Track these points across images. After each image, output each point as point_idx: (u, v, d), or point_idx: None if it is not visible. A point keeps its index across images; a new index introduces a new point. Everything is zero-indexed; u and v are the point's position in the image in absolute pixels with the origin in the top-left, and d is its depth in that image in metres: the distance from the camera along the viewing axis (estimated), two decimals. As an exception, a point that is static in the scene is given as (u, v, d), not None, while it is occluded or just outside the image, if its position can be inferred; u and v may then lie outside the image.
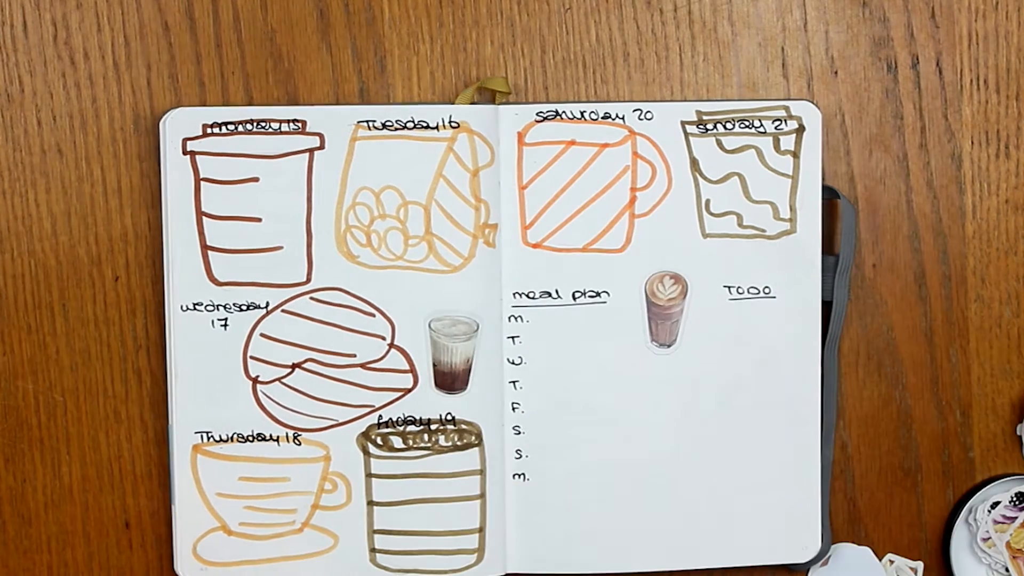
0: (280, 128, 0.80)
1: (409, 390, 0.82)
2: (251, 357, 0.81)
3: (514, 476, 0.83)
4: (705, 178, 0.82)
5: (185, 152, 0.80)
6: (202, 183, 0.80)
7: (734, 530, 0.84)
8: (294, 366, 0.81)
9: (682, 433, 0.83)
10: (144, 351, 0.83)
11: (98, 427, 0.83)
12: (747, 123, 0.82)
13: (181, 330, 0.81)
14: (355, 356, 0.81)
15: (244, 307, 0.81)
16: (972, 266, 0.86)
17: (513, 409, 0.82)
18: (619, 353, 0.83)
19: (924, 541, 0.87)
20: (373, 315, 0.81)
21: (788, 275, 0.83)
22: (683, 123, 0.82)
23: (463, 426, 0.82)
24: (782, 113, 0.82)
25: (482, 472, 0.82)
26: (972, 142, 0.85)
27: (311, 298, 0.81)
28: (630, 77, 0.84)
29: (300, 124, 0.80)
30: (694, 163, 0.82)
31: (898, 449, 0.87)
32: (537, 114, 0.81)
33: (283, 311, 0.81)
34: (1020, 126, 0.85)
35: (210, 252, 0.80)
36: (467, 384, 0.82)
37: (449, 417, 0.82)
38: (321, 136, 0.80)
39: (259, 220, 0.80)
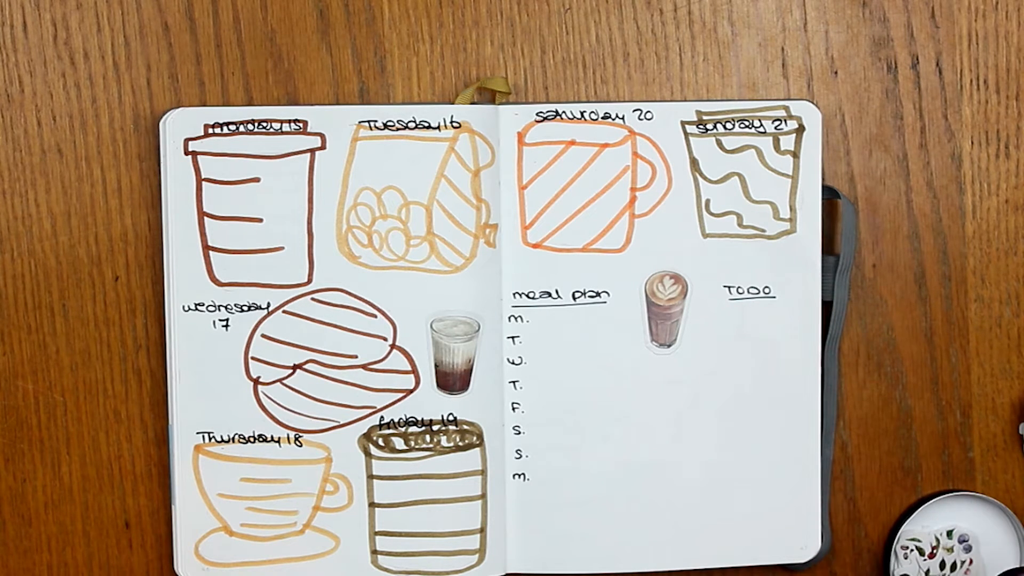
0: (281, 128, 0.80)
1: (411, 391, 0.82)
2: (252, 358, 0.81)
3: (514, 476, 0.83)
4: (705, 178, 0.82)
5: (187, 152, 0.80)
6: (203, 183, 0.80)
7: (734, 530, 0.84)
8: (295, 367, 0.81)
9: (682, 433, 0.83)
10: (144, 351, 0.83)
11: (98, 427, 0.83)
12: (747, 123, 0.82)
13: (182, 330, 0.80)
14: (356, 357, 0.81)
15: (245, 308, 0.81)
16: (972, 266, 0.86)
17: (513, 409, 0.82)
18: (619, 353, 0.83)
19: (924, 541, 0.88)
20: (374, 316, 0.81)
21: (788, 275, 0.83)
22: (683, 123, 0.82)
23: (464, 426, 0.82)
24: (782, 113, 0.82)
25: (483, 472, 0.83)
26: (972, 142, 0.85)
27: (312, 299, 0.81)
28: (630, 77, 0.84)
29: (301, 124, 0.80)
30: (694, 163, 0.82)
31: (898, 449, 0.87)
32: (537, 114, 0.81)
33: (284, 312, 0.81)
34: (1020, 126, 0.85)
35: (211, 252, 0.80)
36: (468, 384, 0.82)
37: (451, 418, 0.82)
38: (322, 136, 0.80)
39: (260, 220, 0.80)
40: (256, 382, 0.81)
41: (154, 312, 0.83)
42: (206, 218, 0.80)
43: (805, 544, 0.84)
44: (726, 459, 0.83)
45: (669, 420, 0.83)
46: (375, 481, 0.82)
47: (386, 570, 0.83)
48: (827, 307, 0.84)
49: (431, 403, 0.82)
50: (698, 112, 0.82)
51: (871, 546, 0.87)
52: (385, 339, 0.81)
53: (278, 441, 0.82)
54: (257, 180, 0.80)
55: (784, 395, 0.83)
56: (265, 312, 0.81)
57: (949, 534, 0.86)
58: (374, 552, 0.83)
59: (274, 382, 0.81)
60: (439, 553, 0.83)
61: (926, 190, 0.85)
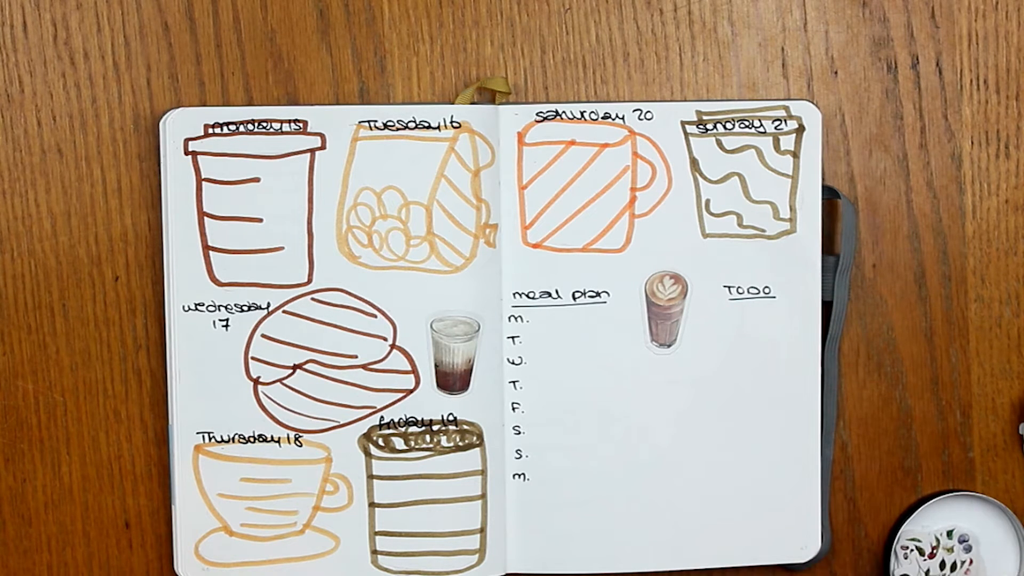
0: (281, 128, 0.80)
1: (411, 391, 0.82)
2: (252, 358, 0.81)
3: (514, 476, 0.83)
4: (705, 178, 0.82)
5: (187, 152, 0.80)
6: (203, 183, 0.80)
7: (734, 530, 0.84)
8: (295, 367, 0.81)
9: (682, 433, 0.83)
10: (144, 351, 0.83)
11: (98, 427, 0.83)
12: (747, 123, 0.82)
13: (182, 330, 0.80)
14: (356, 357, 0.81)
15: (245, 308, 0.81)
16: (972, 266, 0.86)
17: (513, 409, 0.82)
18: (619, 353, 0.83)
19: (924, 541, 0.88)
20: (374, 316, 0.81)
21: (788, 275, 0.83)
22: (683, 123, 0.82)
23: (464, 426, 0.82)
24: (782, 113, 0.82)
25: (483, 472, 0.82)
26: (972, 142, 0.85)
27: (312, 299, 0.81)
28: (630, 77, 0.84)
29: (301, 124, 0.80)
30: (694, 163, 0.82)
31: (898, 449, 0.87)
32: (537, 114, 0.81)
33: (284, 312, 0.81)
34: (1020, 126, 0.85)
35: (211, 252, 0.80)
36: (468, 384, 0.82)
37: (451, 418, 0.82)
38: (322, 136, 0.80)
39: (260, 220, 0.80)
40: (256, 382, 0.81)
41: (154, 312, 0.83)
42: (206, 218, 0.80)
43: (805, 544, 0.84)
44: (726, 459, 0.83)
45: (669, 420, 0.83)
46: (375, 481, 0.82)
47: (386, 570, 0.83)
48: (827, 307, 0.84)
49: (431, 403, 0.82)
50: (698, 112, 0.82)
51: (871, 546, 0.87)
52: (385, 339, 0.81)
53: (278, 441, 0.82)
54: (257, 180, 0.80)
55: (784, 395, 0.83)
56: (265, 312, 0.81)
57: (949, 534, 0.86)
58: (374, 552, 0.83)
59: (274, 382, 0.81)
60: (439, 553, 0.83)
61: (926, 190, 0.85)
